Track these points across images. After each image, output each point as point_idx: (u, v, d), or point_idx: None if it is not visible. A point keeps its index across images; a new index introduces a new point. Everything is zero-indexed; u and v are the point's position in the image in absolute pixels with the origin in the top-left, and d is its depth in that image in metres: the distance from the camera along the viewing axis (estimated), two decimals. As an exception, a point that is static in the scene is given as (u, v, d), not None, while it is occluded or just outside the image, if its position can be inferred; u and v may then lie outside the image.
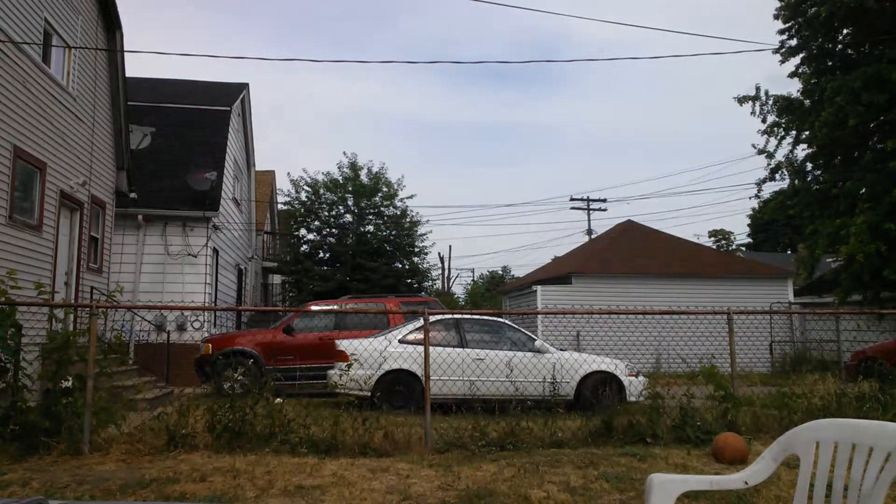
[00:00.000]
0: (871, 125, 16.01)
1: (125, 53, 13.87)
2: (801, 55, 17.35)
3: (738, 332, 8.28)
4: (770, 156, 17.76)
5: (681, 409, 7.42)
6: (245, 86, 21.01)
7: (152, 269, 15.85)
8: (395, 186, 26.00)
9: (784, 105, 17.36)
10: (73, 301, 11.41)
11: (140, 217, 15.62)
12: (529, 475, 5.65)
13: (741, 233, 62.11)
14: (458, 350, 10.03)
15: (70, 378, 6.69)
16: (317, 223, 26.02)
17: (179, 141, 17.28)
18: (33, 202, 10.37)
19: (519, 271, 57.19)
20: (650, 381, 9.56)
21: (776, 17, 17.43)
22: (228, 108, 18.43)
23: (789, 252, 41.18)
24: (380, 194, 25.83)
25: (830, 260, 20.36)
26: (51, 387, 6.67)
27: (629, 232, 24.16)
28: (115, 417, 6.76)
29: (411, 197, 26.61)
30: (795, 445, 2.89)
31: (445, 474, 5.71)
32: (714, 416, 7.60)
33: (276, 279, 29.36)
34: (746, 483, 2.94)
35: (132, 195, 14.78)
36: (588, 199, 36.80)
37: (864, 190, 15.69)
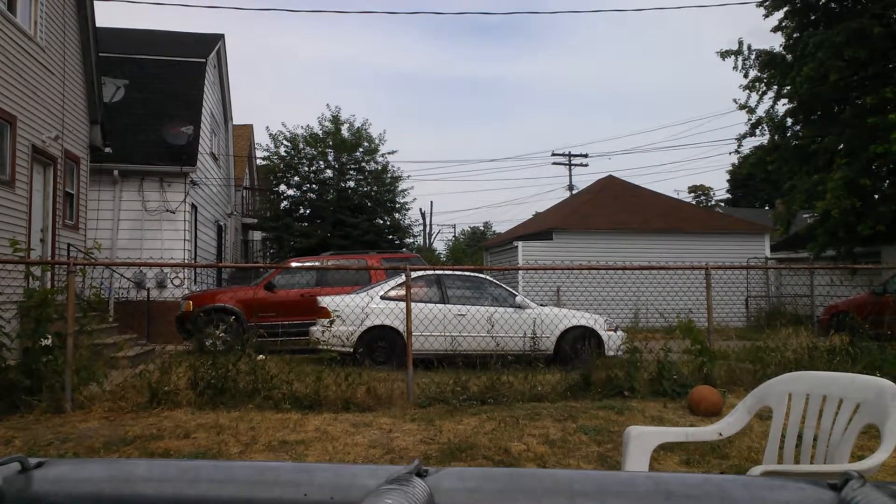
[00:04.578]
0: (852, 79, 16.04)
1: (94, 1, 13.39)
2: (785, 9, 17.24)
3: (715, 287, 8.41)
4: (751, 111, 17.78)
5: (658, 364, 7.57)
6: (220, 37, 20.43)
7: (130, 225, 15.64)
8: (377, 141, 25.77)
9: (766, 60, 17.32)
10: (49, 258, 11.27)
11: (116, 173, 15.33)
12: (510, 428, 5.76)
13: (721, 188, 62.60)
14: (440, 306, 10.09)
15: (49, 336, 6.66)
16: (297, 179, 25.78)
17: (154, 94, 16.85)
18: (4, 157, 10.11)
19: (500, 227, 57.38)
20: (628, 336, 9.71)
21: None
22: (204, 60, 17.96)
23: (768, 208, 41.64)
24: (361, 149, 25.59)
25: (807, 216, 20.63)
26: (30, 345, 6.64)
27: (610, 187, 24.24)
28: (97, 375, 6.76)
29: (392, 152, 26.41)
30: (768, 397, 2.97)
31: (427, 428, 5.81)
32: (690, 369, 7.77)
33: (257, 235, 29.16)
34: (721, 434, 3.02)
35: (107, 150, 14.45)
36: (570, 155, 36.74)
37: (842, 146, 15.82)
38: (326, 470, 0.98)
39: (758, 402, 3.01)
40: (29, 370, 6.52)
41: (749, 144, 20.67)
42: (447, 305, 10.24)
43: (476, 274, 11.51)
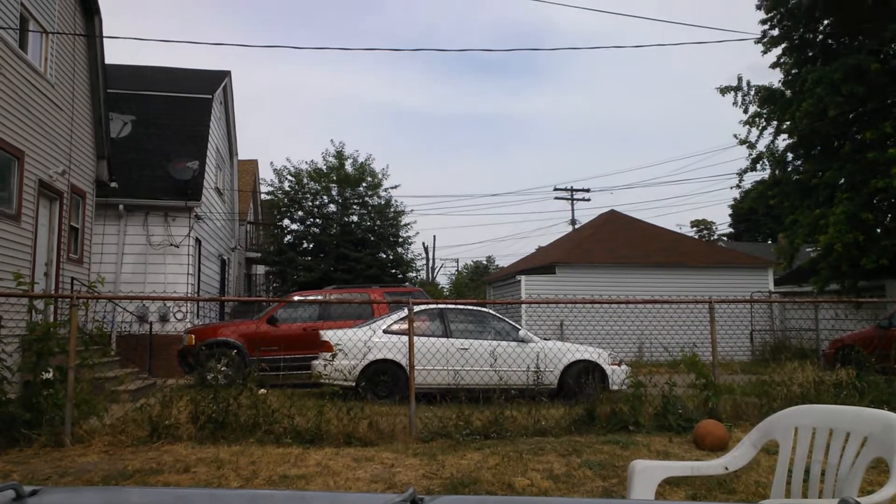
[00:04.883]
0: (851, 116, 16.19)
1: (104, 39, 13.64)
2: (783, 45, 17.51)
3: (719, 321, 8.37)
4: (751, 146, 17.93)
5: (663, 398, 7.50)
6: (227, 73, 20.76)
7: (134, 259, 15.68)
8: (380, 176, 25.97)
9: (765, 95, 17.51)
10: (53, 292, 11.28)
11: (121, 207, 15.43)
12: (513, 463, 5.69)
13: (723, 222, 62.67)
14: (443, 340, 10.05)
15: (51, 369, 6.63)
16: (300, 213, 25.91)
17: (160, 129, 17.05)
18: (11, 192, 10.20)
19: (503, 261, 57.39)
20: (633, 370, 9.64)
21: (759, 7, 17.58)
22: (210, 96, 18.21)
23: (770, 242, 41.61)
24: (364, 184, 25.77)
25: (810, 249, 20.62)
26: (31, 378, 6.61)
27: (612, 222, 24.28)
28: (97, 409, 6.71)
29: (396, 187, 26.63)
30: (775, 431, 2.93)
31: (430, 463, 5.74)
32: (695, 403, 7.69)
33: (260, 269, 29.19)
34: (727, 468, 2.98)
35: (113, 184, 14.57)
36: (572, 189, 36.88)
37: (843, 180, 15.88)
38: (320, 498, 0.98)
39: (764, 435, 2.97)
40: (29, 404, 6.47)
41: (750, 179, 20.95)
42: (450, 339, 10.19)
43: (479, 308, 11.48)
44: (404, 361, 9.02)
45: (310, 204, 25.80)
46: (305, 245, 25.72)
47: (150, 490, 1.10)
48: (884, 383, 7.97)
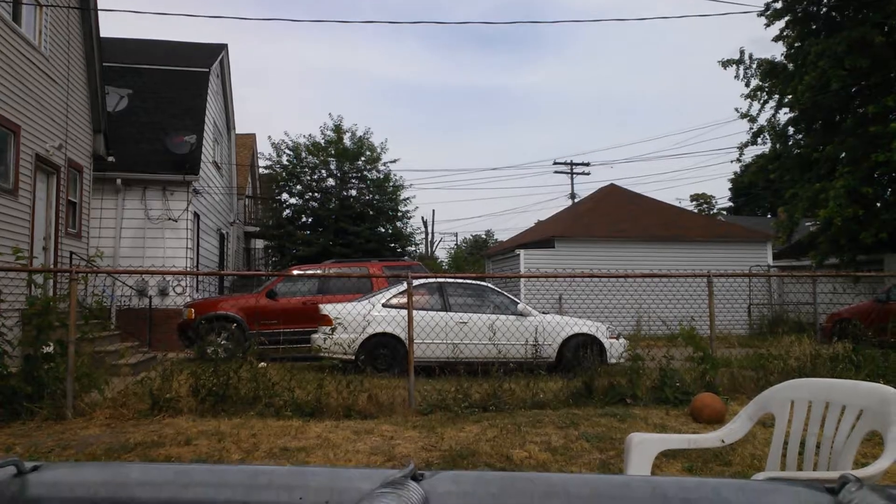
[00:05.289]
0: (853, 89, 16.06)
1: (99, 12, 13.48)
2: (786, 18, 17.30)
3: (717, 295, 8.39)
4: (753, 120, 17.82)
5: (660, 371, 7.55)
6: (224, 46, 20.53)
7: (132, 233, 15.66)
8: (379, 150, 25.83)
9: (768, 69, 17.36)
10: (52, 266, 11.28)
11: (119, 181, 15.37)
12: (511, 435, 5.74)
13: (722, 196, 62.59)
14: (442, 313, 10.08)
15: (51, 343, 6.66)
16: (299, 187, 25.81)
17: (157, 103, 16.94)
18: (7, 166, 10.15)
19: (502, 235, 57.38)
20: (631, 344, 9.68)
21: None
22: (207, 70, 18.04)
23: (770, 216, 41.57)
24: (363, 158, 25.64)
25: (809, 224, 20.60)
26: (32, 352, 6.64)
27: (612, 196, 24.22)
28: (98, 382, 6.76)
29: (395, 161, 26.45)
30: (771, 404, 2.95)
31: (429, 435, 5.79)
32: (693, 377, 7.74)
33: (259, 244, 29.18)
34: (723, 441, 3.00)
35: (110, 158, 14.50)
36: (571, 164, 36.76)
37: (843, 154, 15.81)
38: (321, 473, 0.98)
39: (760, 409, 2.99)
40: (30, 377, 6.51)
41: (751, 153, 20.91)
42: (449, 313, 10.23)
43: (478, 282, 11.50)
44: (403, 335, 9.06)
45: (308, 178, 25.69)
46: (304, 219, 25.66)
47: (151, 465, 1.10)
48: (880, 357, 8.02)
